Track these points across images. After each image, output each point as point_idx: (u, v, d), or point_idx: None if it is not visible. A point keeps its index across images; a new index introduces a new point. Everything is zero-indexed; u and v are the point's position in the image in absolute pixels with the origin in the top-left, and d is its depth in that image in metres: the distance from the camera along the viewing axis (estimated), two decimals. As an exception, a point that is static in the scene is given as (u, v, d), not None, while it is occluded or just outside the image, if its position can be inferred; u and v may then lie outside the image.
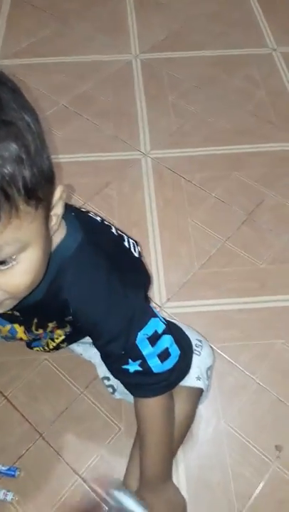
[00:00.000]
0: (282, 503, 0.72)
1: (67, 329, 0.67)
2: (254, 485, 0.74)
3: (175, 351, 0.62)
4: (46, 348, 0.74)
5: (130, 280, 0.61)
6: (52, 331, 0.68)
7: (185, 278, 0.96)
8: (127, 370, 0.60)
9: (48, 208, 0.46)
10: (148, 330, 0.60)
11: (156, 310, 0.69)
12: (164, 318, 0.64)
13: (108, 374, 0.73)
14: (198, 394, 0.72)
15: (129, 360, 0.60)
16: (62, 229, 0.55)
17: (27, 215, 0.42)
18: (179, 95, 1.32)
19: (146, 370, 0.60)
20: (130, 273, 0.64)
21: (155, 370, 0.60)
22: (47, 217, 0.46)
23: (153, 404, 0.63)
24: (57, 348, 0.73)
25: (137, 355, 0.59)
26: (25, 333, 0.68)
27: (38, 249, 0.45)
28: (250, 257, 0.99)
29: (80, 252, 0.55)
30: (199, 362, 0.71)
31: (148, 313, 0.61)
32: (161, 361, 0.60)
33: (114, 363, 0.62)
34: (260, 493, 0.73)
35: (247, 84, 1.35)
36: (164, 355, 0.61)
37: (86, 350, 0.81)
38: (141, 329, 0.59)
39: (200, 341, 0.73)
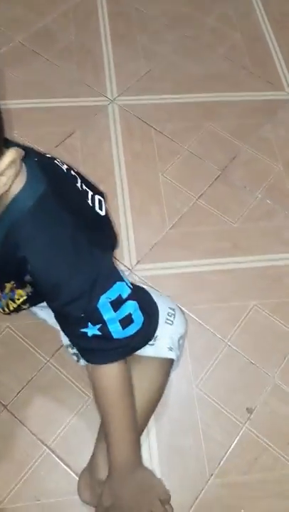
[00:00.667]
0: (253, 464, 0.73)
1: (29, 289, 0.62)
2: (225, 447, 0.74)
3: (138, 318, 0.59)
4: (6, 309, 0.67)
5: (96, 239, 0.56)
6: (12, 291, 0.62)
7: (156, 238, 0.91)
8: (85, 333, 0.56)
9: None
10: (112, 294, 0.56)
11: (125, 273, 0.64)
12: (130, 283, 0.60)
13: None
14: (170, 364, 0.69)
15: (89, 324, 0.56)
16: (22, 176, 0.48)
17: None
18: (149, 35, 1.20)
19: (106, 335, 0.56)
20: (96, 231, 0.59)
21: (115, 335, 0.57)
22: None
23: (110, 373, 0.60)
24: (18, 309, 0.67)
25: (98, 319, 0.55)
26: None
27: None
28: (223, 215, 0.95)
29: (40, 204, 0.49)
30: (171, 332, 0.68)
31: (114, 276, 0.57)
32: (123, 327, 0.57)
33: (71, 325, 0.57)
34: (230, 455, 0.73)
35: (222, 25, 1.25)
36: (126, 321, 0.57)
37: (50, 315, 0.76)
38: (104, 292, 0.55)
39: (172, 310, 0.70)
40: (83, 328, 0.56)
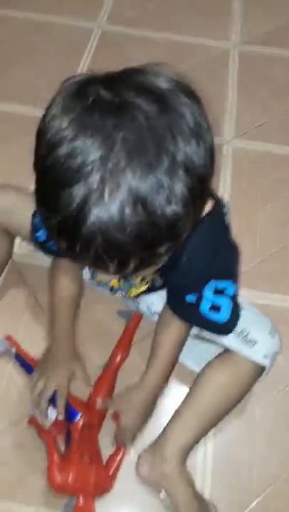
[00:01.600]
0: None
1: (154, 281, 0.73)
2: (277, 472, 0.76)
3: (225, 315, 0.67)
4: (127, 295, 0.78)
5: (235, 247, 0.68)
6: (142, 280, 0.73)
7: (244, 268, 0.98)
8: (184, 299, 0.67)
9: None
10: (221, 284, 0.65)
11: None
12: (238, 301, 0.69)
13: None
14: (259, 372, 0.73)
15: (192, 293, 0.67)
16: None
17: (168, 251, 0.45)
18: (270, 91, 1.32)
19: (196, 305, 0.66)
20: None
21: (201, 310, 0.66)
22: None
23: (176, 327, 0.72)
24: (137, 296, 0.78)
25: (199, 292, 0.66)
26: (119, 281, 0.73)
27: None
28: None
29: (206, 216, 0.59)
30: (271, 343, 0.73)
31: (234, 276, 0.67)
32: (209, 310, 0.66)
33: (177, 296, 0.69)
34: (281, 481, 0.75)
35: None
36: (214, 309, 0.66)
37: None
38: (217, 281, 0.65)
39: (274, 329, 0.75)
40: (185, 296, 0.67)
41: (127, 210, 0.39)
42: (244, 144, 1.21)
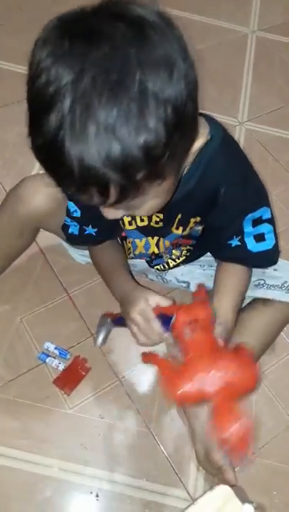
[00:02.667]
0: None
1: (185, 250, 0.76)
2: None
3: (270, 240, 0.70)
4: (166, 266, 0.81)
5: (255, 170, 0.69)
6: (178, 245, 0.75)
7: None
8: (230, 244, 0.69)
9: (185, 158, 0.51)
10: (256, 214, 0.67)
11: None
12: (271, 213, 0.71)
13: None
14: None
15: (234, 237, 0.68)
16: (204, 125, 0.58)
17: (170, 175, 0.47)
18: (286, 79, 1.35)
19: (243, 246, 0.68)
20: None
21: (249, 246, 0.69)
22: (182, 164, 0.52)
23: (232, 270, 0.72)
24: (175, 266, 0.80)
25: (240, 232, 0.68)
26: (157, 245, 0.75)
27: (170, 184, 0.51)
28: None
29: (225, 143, 0.61)
30: None
31: (264, 200, 0.69)
32: (256, 241, 0.69)
33: (221, 237, 0.70)
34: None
35: None
36: (259, 238, 0.69)
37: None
38: (252, 212, 0.67)
39: None
40: (229, 240, 0.69)
41: (99, 137, 0.40)
42: (256, 127, 1.23)
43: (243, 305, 0.78)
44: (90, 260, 0.82)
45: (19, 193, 0.74)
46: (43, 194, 0.72)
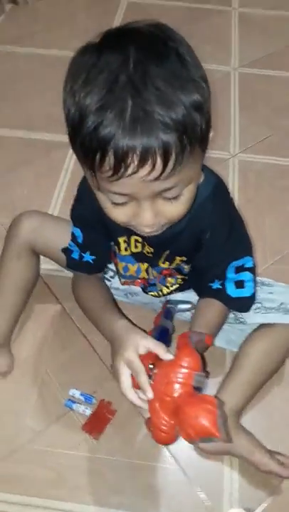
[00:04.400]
0: None
1: (179, 278, 0.80)
2: None
3: (250, 288, 0.74)
4: (160, 293, 0.85)
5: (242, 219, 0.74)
6: (171, 275, 0.79)
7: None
8: (211, 287, 0.74)
9: (206, 148, 0.56)
10: (239, 262, 0.72)
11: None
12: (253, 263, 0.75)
13: None
14: None
15: (216, 280, 0.73)
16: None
17: (198, 156, 0.52)
18: (272, 108, 1.41)
19: (223, 289, 0.73)
20: None
21: (228, 291, 0.73)
22: (204, 156, 0.56)
23: (218, 305, 0.75)
24: (169, 293, 0.84)
25: (222, 277, 0.73)
26: (147, 271, 0.79)
27: (195, 183, 0.56)
28: None
29: (216, 191, 0.67)
30: None
31: (248, 250, 0.73)
32: (236, 287, 0.73)
33: (203, 281, 0.75)
34: None
35: None
36: (239, 284, 0.73)
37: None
38: (236, 260, 0.72)
39: None
40: (210, 283, 0.73)
41: (160, 102, 0.46)
42: (249, 157, 1.28)
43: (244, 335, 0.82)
44: None
45: (15, 221, 0.87)
46: (31, 219, 0.85)
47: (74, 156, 0.54)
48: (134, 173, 0.48)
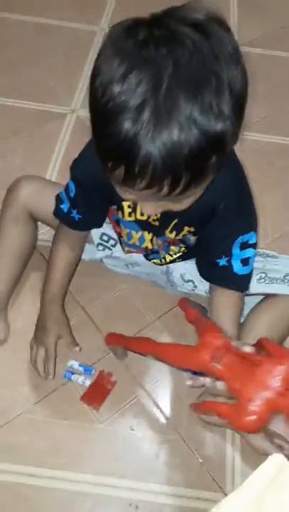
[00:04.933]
0: None
1: (183, 247, 0.78)
2: None
3: (251, 265, 0.73)
4: (163, 260, 0.83)
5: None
6: (174, 243, 0.77)
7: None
8: (217, 263, 0.72)
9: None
10: (245, 238, 0.71)
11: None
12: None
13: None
14: None
15: (223, 256, 0.72)
16: None
17: (214, 167, 0.50)
18: (270, 88, 1.40)
19: (230, 267, 0.72)
20: None
21: (235, 269, 0.72)
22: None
23: (232, 297, 0.75)
24: (172, 261, 0.82)
25: (229, 253, 0.71)
26: (151, 241, 0.77)
27: (206, 185, 0.54)
28: None
29: (233, 162, 0.66)
30: None
31: (254, 225, 0.73)
32: (242, 265, 0.72)
33: (210, 254, 0.73)
34: None
35: None
36: (245, 262, 0.72)
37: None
38: (243, 235, 0.70)
39: None
40: (217, 258, 0.72)
41: (183, 131, 0.44)
42: (249, 136, 1.27)
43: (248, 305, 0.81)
44: (91, 257, 0.89)
45: (12, 186, 0.85)
46: (30, 183, 0.84)
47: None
48: (140, 190, 0.49)
